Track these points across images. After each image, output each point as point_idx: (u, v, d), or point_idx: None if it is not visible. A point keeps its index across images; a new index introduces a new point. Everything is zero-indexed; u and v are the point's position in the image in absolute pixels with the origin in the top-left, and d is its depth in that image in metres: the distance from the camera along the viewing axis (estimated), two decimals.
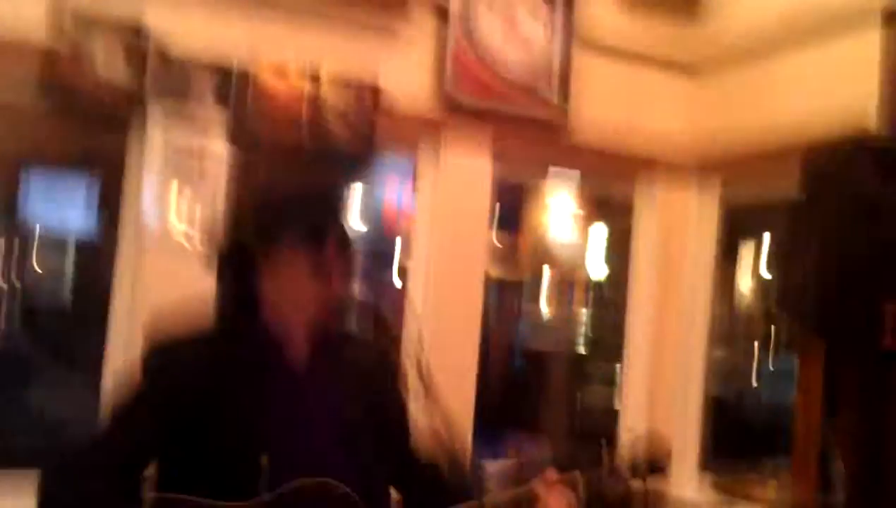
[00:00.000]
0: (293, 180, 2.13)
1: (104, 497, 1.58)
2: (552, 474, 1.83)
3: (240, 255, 1.78)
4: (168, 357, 1.73)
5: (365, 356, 1.95)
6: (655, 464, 1.87)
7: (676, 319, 3.93)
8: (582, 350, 8.87)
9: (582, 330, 10.24)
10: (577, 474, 1.84)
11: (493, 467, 3.40)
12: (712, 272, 3.97)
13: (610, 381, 7.10)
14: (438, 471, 1.89)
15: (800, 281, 2.36)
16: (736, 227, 4.00)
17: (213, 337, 1.78)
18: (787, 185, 2.98)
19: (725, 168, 3.76)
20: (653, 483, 1.85)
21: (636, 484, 1.86)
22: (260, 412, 1.70)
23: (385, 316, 1.73)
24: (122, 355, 2.88)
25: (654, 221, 3.94)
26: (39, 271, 9.79)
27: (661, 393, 3.94)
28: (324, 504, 1.66)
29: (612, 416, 4.24)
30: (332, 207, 1.90)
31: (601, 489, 1.84)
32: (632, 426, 3.95)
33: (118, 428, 1.68)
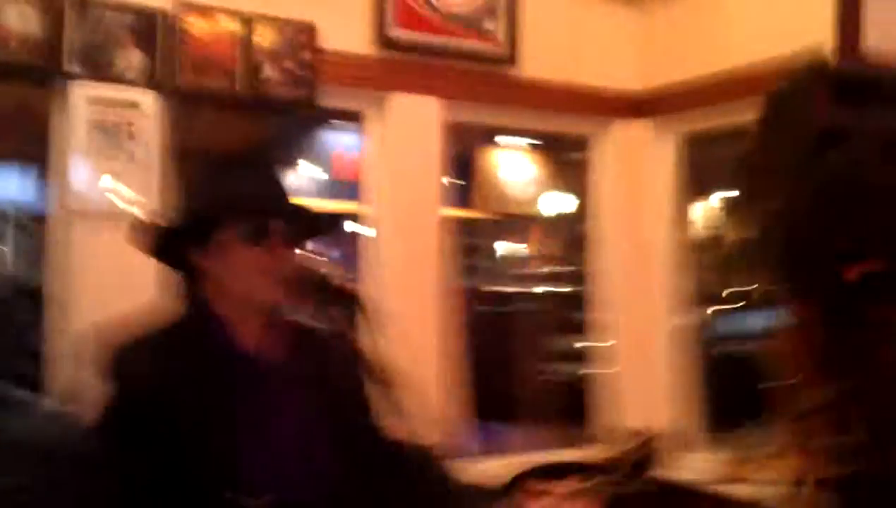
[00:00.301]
0: (232, 143, 1.98)
1: None
2: (537, 486, 1.71)
3: (181, 237, 1.67)
4: (130, 357, 1.62)
5: (326, 346, 1.83)
6: (652, 457, 1.74)
7: (643, 263, 3.82)
8: (543, 290, 8.89)
9: (541, 270, 10.27)
10: (572, 484, 1.73)
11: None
12: (673, 210, 3.89)
13: (578, 327, 7.14)
14: (420, 468, 1.79)
15: (761, 220, 2.30)
16: (693, 165, 3.91)
17: (167, 331, 1.68)
18: (740, 114, 2.88)
19: (679, 98, 3.67)
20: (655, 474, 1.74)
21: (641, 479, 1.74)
22: (219, 407, 1.61)
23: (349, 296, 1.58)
24: (60, 338, 2.77)
25: (610, 155, 3.84)
26: None
27: (636, 352, 3.83)
28: None
29: (587, 378, 4.16)
30: (277, 181, 1.75)
31: (616, 492, 1.73)
32: (614, 393, 3.84)
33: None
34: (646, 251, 3.79)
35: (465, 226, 3.58)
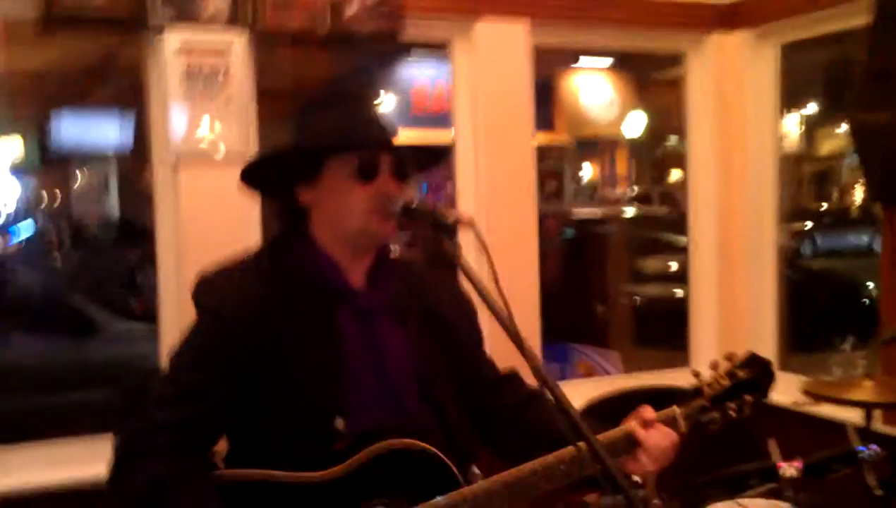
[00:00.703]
0: (317, 80, 1.97)
1: (169, 478, 1.50)
2: (649, 412, 1.66)
3: (290, 174, 1.67)
4: (221, 287, 1.64)
5: (434, 280, 1.85)
6: (755, 384, 1.67)
7: (740, 181, 3.69)
8: (630, 214, 8.77)
9: (626, 193, 10.15)
10: (675, 410, 1.67)
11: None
12: (776, 127, 3.71)
13: (666, 249, 7.04)
14: (529, 403, 1.80)
15: (866, 131, 2.21)
16: (788, 76, 3.74)
17: (265, 263, 1.69)
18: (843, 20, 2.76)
19: (776, 5, 3.48)
20: (752, 405, 1.69)
21: (734, 410, 1.66)
22: (323, 342, 1.62)
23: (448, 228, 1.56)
24: (171, 270, 2.87)
25: (704, 70, 3.71)
26: (82, 189, 9.94)
27: (732, 272, 3.71)
28: (407, 469, 1.59)
29: (675, 303, 4.09)
30: (383, 116, 1.74)
31: (701, 421, 1.66)
32: (703, 320, 3.78)
33: (181, 394, 1.56)
34: (740, 168, 3.68)
35: (549, 152, 3.51)
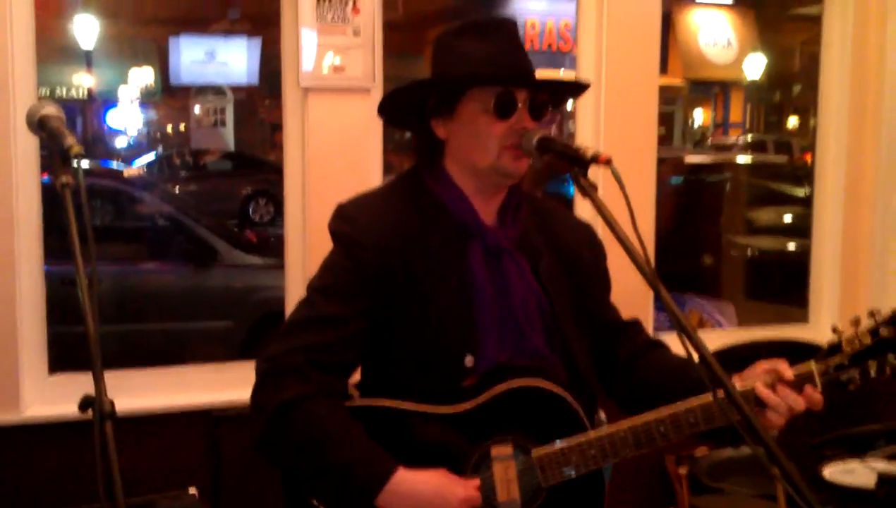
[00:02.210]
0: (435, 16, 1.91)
1: (306, 394, 1.54)
2: (784, 367, 1.58)
3: (426, 106, 1.66)
4: (358, 217, 1.65)
5: (566, 219, 1.84)
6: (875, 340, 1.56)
7: (874, 131, 3.51)
8: (745, 159, 8.45)
9: (739, 141, 9.79)
10: (811, 366, 1.58)
11: None
12: None
13: (780, 200, 6.77)
14: (656, 351, 1.78)
15: None
16: None
17: (400, 195, 1.69)
18: None
19: None
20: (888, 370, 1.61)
21: (876, 369, 1.56)
22: (454, 278, 1.62)
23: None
24: (297, 200, 2.92)
25: (848, 9, 3.50)
26: (200, 118, 10.23)
27: (858, 225, 3.56)
28: (533, 409, 1.60)
29: (789, 256, 3.95)
30: (521, 50, 1.68)
31: (839, 380, 1.58)
32: (824, 274, 3.64)
33: (322, 319, 1.59)
34: (874, 116, 3.48)
35: (660, 94, 3.39)
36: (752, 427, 1.26)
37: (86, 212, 1.16)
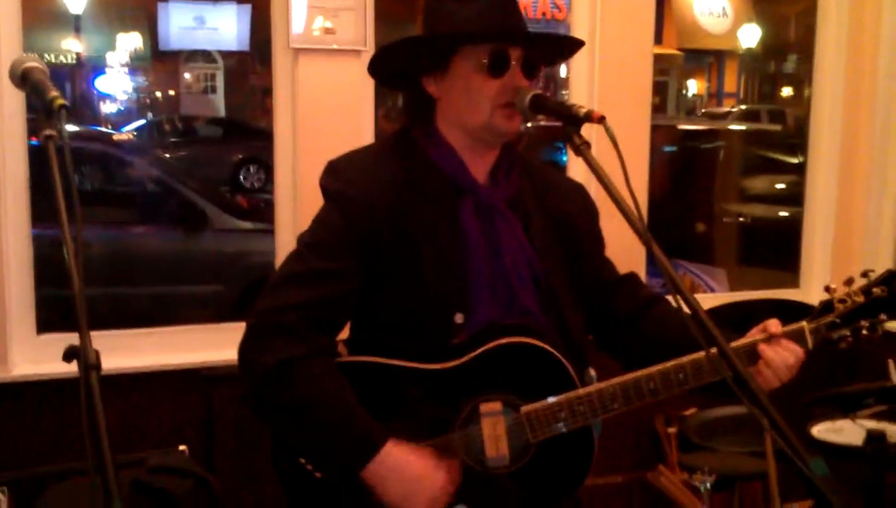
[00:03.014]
0: None
1: (301, 355, 1.53)
2: (775, 325, 1.60)
3: (418, 64, 1.63)
4: (349, 172, 1.63)
5: (556, 182, 1.82)
6: (892, 303, 1.57)
7: (869, 100, 3.50)
8: (739, 128, 8.43)
9: (733, 110, 9.75)
10: (803, 325, 1.60)
11: None
12: None
13: (773, 168, 6.75)
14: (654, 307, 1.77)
15: None
16: None
17: (392, 152, 1.68)
18: None
19: None
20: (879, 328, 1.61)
21: (867, 328, 1.58)
22: (446, 235, 1.61)
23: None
24: (288, 162, 2.91)
25: None
26: (190, 84, 10.13)
27: (852, 193, 3.56)
28: (523, 366, 1.60)
29: (781, 224, 3.95)
30: (515, 7, 1.66)
31: (830, 338, 1.59)
32: (816, 241, 3.66)
33: (314, 273, 1.57)
34: (869, 85, 3.47)
35: (654, 62, 3.35)
36: (743, 381, 1.26)
37: (68, 162, 1.14)
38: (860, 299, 1.58)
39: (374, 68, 1.69)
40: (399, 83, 1.74)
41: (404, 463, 1.53)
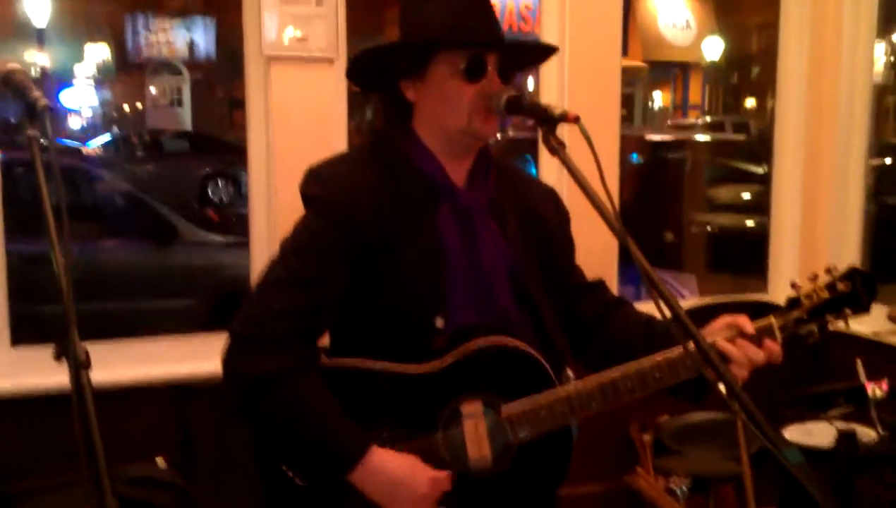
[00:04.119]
0: None
1: (287, 370, 1.54)
2: (744, 321, 1.62)
3: (394, 68, 1.65)
4: (329, 178, 1.64)
5: (531, 183, 1.86)
6: (856, 298, 1.61)
7: (831, 110, 3.56)
8: (705, 138, 8.55)
9: (698, 121, 9.89)
10: (771, 320, 1.62)
11: None
12: (871, 54, 3.54)
13: (739, 178, 6.86)
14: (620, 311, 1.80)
15: None
16: None
17: (370, 156, 1.69)
18: None
19: None
20: (844, 323, 1.65)
21: (831, 325, 1.62)
22: (425, 239, 1.62)
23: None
24: (262, 172, 2.91)
25: None
26: (156, 97, 10.08)
27: (816, 201, 3.63)
28: (502, 367, 1.61)
29: (747, 233, 4.03)
30: (491, 12, 1.67)
31: (798, 334, 1.62)
32: (783, 248, 3.71)
33: (298, 281, 1.57)
34: (831, 95, 3.55)
35: (622, 75, 3.40)
36: (716, 370, 1.29)
37: (53, 161, 1.15)
38: (825, 295, 1.61)
39: (353, 72, 1.71)
40: (376, 87, 1.75)
41: (391, 466, 1.55)
